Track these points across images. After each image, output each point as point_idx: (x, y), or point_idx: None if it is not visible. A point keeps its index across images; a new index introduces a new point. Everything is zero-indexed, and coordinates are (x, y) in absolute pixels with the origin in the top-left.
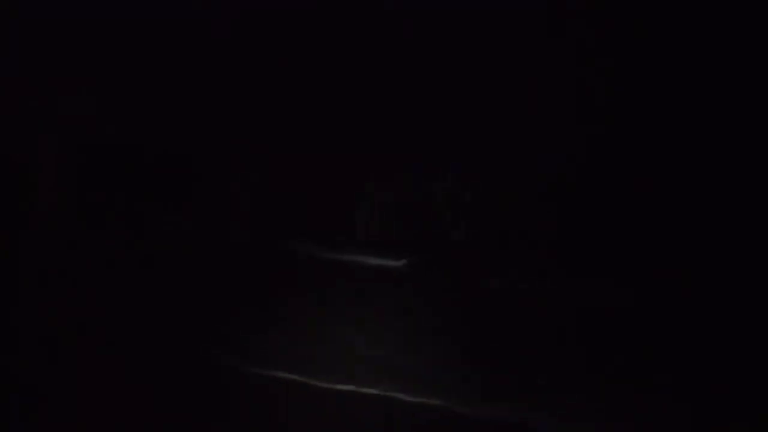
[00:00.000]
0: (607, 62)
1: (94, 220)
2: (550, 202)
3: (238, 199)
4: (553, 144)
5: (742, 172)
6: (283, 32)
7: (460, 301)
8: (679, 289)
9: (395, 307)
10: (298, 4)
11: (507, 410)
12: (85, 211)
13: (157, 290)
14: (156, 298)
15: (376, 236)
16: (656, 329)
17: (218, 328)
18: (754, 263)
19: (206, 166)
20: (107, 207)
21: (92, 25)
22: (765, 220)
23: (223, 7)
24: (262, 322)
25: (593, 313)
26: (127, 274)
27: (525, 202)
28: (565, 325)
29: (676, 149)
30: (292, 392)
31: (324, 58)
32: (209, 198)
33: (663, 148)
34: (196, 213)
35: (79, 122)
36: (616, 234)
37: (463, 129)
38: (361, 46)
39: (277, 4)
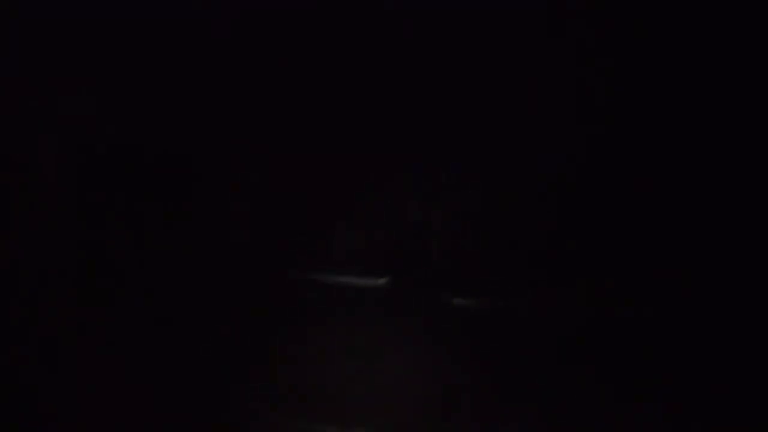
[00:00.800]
0: (607, 62)
1: (94, 220)
2: (550, 203)
3: (238, 200)
4: (553, 144)
5: (746, 173)
6: (283, 32)
7: (446, 324)
8: (690, 297)
9: (377, 333)
10: (298, 4)
11: None
12: (85, 211)
13: (156, 290)
14: (155, 299)
15: (355, 253)
16: (680, 344)
17: (217, 332)
18: (761, 267)
19: (206, 166)
20: (107, 207)
21: (92, 25)
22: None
23: (223, 7)
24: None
25: (604, 330)
26: (126, 275)
27: (526, 204)
28: (572, 345)
29: (677, 150)
30: None
31: (324, 58)
32: (209, 198)
33: (664, 149)
34: (196, 213)
35: (79, 122)
36: (617, 239)
37: (463, 129)
38: (361, 46)
39: (277, 4)
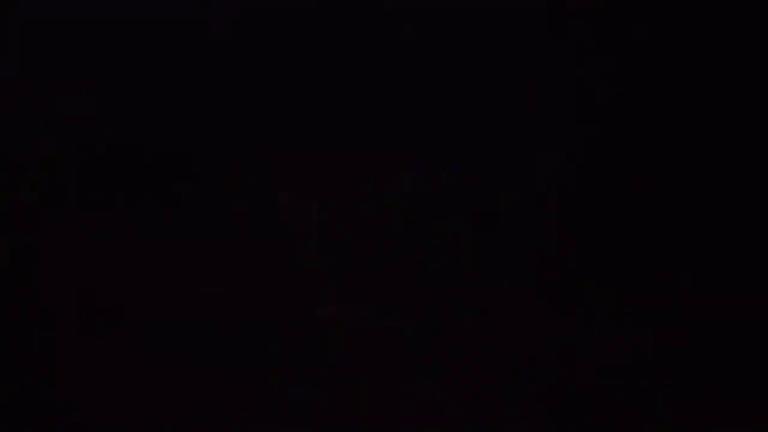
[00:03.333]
0: (607, 62)
1: (94, 220)
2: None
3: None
4: (553, 144)
5: (745, 173)
6: (283, 32)
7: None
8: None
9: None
10: (298, 4)
11: None
12: (85, 211)
13: (156, 290)
14: (155, 298)
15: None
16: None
17: (215, 330)
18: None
19: (206, 166)
20: (107, 207)
21: (92, 25)
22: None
23: (223, 7)
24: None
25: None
26: (126, 275)
27: (526, 203)
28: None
29: (676, 150)
30: None
31: (324, 57)
32: (209, 198)
33: (663, 149)
34: (196, 213)
35: (79, 122)
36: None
37: (463, 129)
38: (361, 46)
39: (277, 4)
